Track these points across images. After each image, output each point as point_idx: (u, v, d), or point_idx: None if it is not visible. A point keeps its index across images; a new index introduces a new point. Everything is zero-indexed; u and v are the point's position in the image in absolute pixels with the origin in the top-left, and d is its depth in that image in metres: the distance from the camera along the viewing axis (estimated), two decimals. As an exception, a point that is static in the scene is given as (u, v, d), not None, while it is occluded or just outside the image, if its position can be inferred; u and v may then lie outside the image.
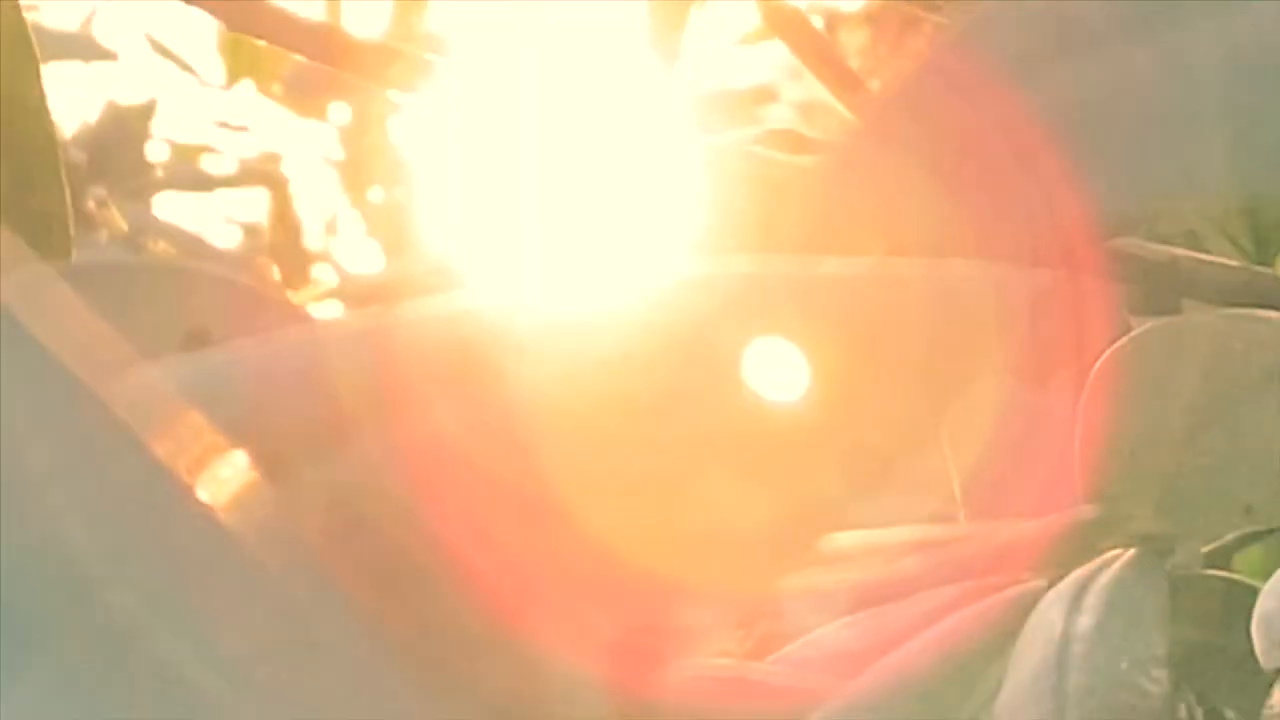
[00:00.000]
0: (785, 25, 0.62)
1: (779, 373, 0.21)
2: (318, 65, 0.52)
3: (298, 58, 0.53)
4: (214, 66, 1.65)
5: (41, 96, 0.46)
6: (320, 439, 0.20)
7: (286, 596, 0.17)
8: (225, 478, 0.18)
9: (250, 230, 1.56)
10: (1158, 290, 0.50)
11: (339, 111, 1.54)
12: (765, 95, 1.10)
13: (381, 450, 0.21)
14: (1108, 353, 0.46)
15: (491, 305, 0.23)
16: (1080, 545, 0.46)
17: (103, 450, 0.17)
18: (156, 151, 1.42)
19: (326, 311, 1.26)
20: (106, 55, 1.22)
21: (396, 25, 1.54)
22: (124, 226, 1.15)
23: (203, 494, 0.17)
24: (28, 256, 0.20)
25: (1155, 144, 0.19)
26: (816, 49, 0.61)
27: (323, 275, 1.53)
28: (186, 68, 1.58)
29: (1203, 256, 0.48)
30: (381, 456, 0.21)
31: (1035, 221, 0.19)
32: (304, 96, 1.43)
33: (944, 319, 0.21)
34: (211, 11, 0.52)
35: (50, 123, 0.46)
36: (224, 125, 1.60)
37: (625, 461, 0.21)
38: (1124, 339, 0.46)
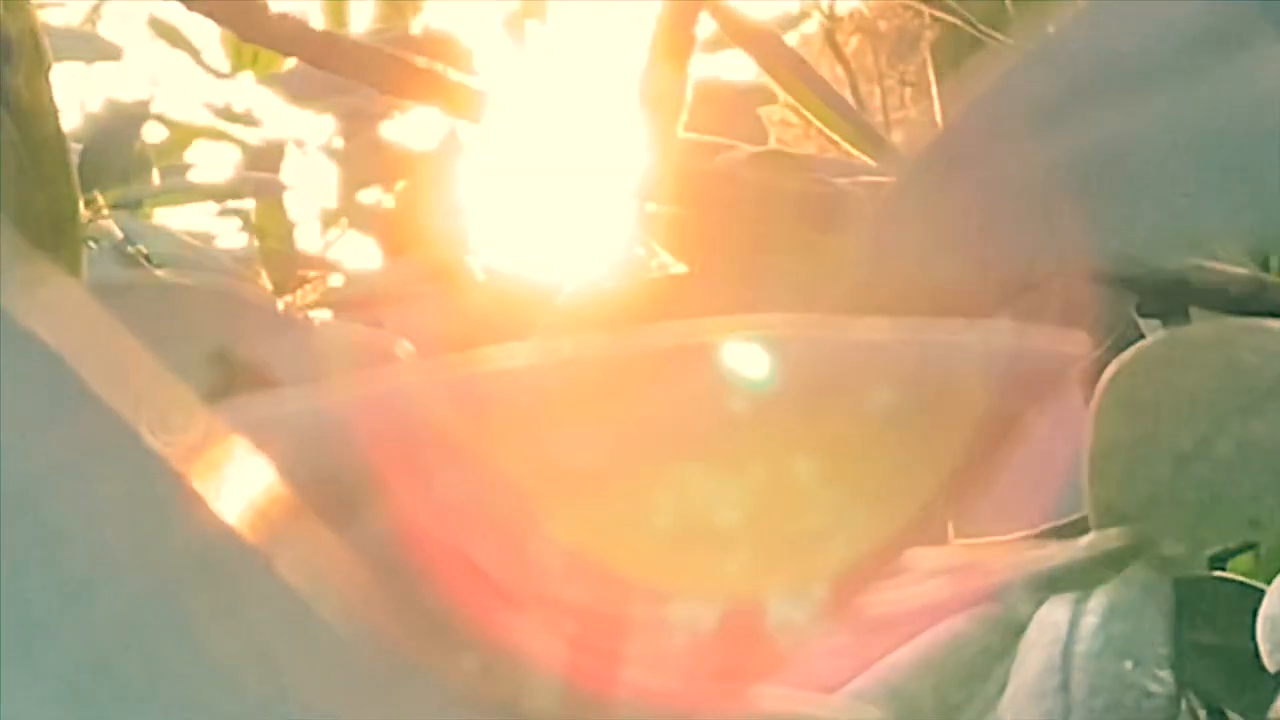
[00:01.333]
0: (745, 36, 0.62)
1: (758, 373, 0.21)
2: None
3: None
4: (217, 57, 1.65)
5: (51, 96, 0.46)
6: (345, 500, 0.21)
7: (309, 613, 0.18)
8: (267, 510, 0.18)
9: (247, 220, 1.55)
10: (1169, 297, 0.50)
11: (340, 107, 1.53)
12: (764, 93, 1.10)
13: (400, 508, 0.21)
14: (1115, 363, 0.46)
15: (487, 365, 0.23)
16: (1106, 569, 0.46)
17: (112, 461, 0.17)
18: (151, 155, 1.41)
19: (323, 315, 1.26)
20: (111, 54, 1.22)
21: (387, 22, 1.53)
22: (118, 234, 1.15)
23: (237, 521, 0.18)
24: (51, 274, 0.20)
25: (1196, 183, 0.19)
26: (781, 59, 0.61)
27: (323, 275, 1.53)
28: (195, 54, 1.58)
29: (1212, 266, 0.49)
30: (401, 514, 0.21)
31: (1064, 269, 0.19)
32: (305, 92, 1.42)
33: (925, 376, 0.21)
34: (211, 15, 0.52)
35: (59, 122, 0.47)
36: (225, 114, 1.59)
37: (598, 459, 0.21)
38: (1131, 350, 0.46)
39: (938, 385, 0.21)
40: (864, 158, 0.61)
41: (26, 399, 0.16)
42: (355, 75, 0.51)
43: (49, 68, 0.46)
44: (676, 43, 0.51)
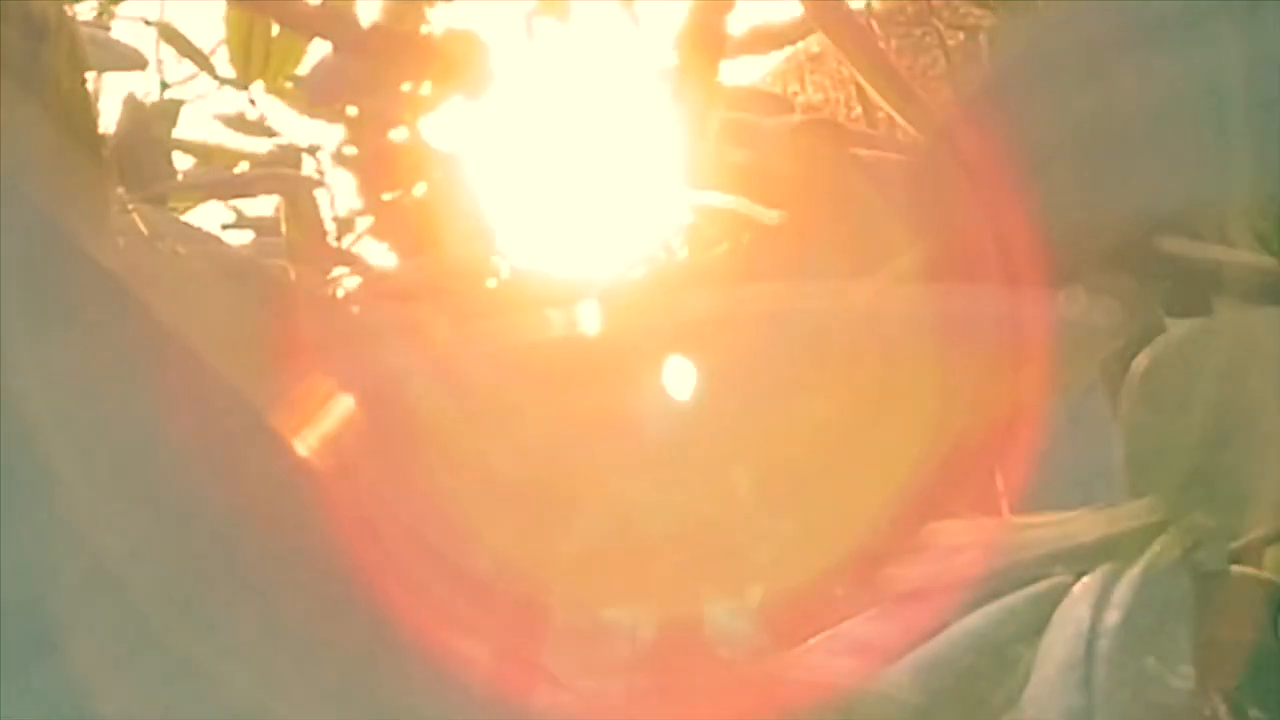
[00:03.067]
0: (829, 21, 0.63)
1: (693, 389, 0.22)
2: (330, 66, 0.53)
3: (311, 59, 0.54)
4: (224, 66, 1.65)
5: (85, 84, 0.47)
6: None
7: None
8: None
9: (267, 225, 1.55)
10: (1193, 288, 0.50)
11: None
12: (782, 103, 1.10)
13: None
14: (1145, 352, 0.46)
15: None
16: (1134, 546, 0.46)
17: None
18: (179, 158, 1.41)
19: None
20: (136, 63, 1.21)
21: (399, 18, 1.53)
22: (143, 230, 1.14)
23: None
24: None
25: (1208, 143, 0.19)
26: (860, 44, 0.62)
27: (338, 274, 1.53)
28: (206, 65, 1.58)
29: (1237, 254, 0.49)
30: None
31: (1094, 227, 0.19)
32: (316, 101, 1.42)
33: (870, 343, 0.21)
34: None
35: (94, 118, 0.47)
36: (237, 123, 1.59)
37: (531, 474, 0.22)
38: (1161, 339, 0.46)
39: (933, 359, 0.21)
40: (911, 130, 0.61)
41: (116, 348, 0.16)
42: (368, 53, 0.52)
43: (83, 56, 0.47)
44: (708, 39, 0.52)
